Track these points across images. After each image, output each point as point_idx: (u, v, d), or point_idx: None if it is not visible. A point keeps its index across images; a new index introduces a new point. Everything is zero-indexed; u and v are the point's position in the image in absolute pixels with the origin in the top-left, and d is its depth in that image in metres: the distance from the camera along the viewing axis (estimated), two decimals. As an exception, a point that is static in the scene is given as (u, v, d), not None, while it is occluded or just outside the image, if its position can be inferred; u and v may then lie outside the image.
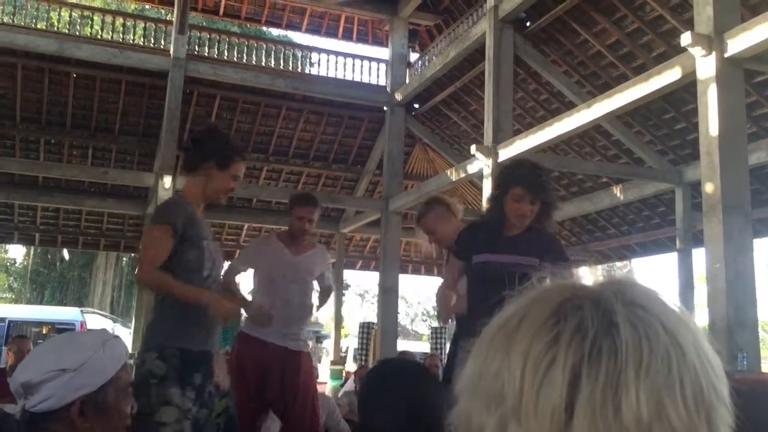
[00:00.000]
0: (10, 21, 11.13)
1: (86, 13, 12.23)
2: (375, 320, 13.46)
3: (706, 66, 5.56)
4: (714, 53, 5.48)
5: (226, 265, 3.81)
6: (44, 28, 11.43)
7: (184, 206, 2.84)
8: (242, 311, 3.71)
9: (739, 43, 5.37)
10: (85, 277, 27.41)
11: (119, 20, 12.04)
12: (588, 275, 0.57)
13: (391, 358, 2.50)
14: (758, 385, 4.29)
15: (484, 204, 3.74)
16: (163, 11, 14.96)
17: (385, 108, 12.69)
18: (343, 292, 18.87)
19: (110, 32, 11.87)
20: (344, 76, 12.80)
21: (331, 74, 12.81)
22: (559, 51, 10.42)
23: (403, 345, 15.96)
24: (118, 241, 15.72)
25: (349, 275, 26.34)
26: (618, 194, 11.31)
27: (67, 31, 11.42)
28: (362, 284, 35.96)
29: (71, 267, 27.61)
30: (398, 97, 12.34)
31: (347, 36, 14.07)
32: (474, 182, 12.33)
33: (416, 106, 13.07)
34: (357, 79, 12.85)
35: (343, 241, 15.50)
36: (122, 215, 14.73)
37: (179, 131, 11.31)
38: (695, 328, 0.53)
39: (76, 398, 1.39)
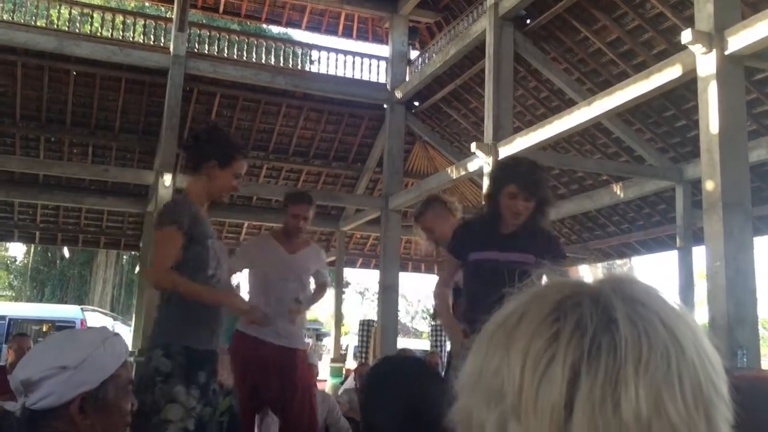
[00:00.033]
0: (10, 18, 11.12)
1: (86, 10, 12.22)
2: (375, 318, 13.47)
3: (706, 63, 5.56)
4: (714, 50, 5.48)
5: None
6: (44, 25, 11.42)
7: (188, 205, 2.86)
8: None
9: (739, 40, 5.36)
10: (85, 275, 27.43)
11: (119, 18, 12.03)
12: (588, 273, 0.57)
13: (394, 355, 2.50)
14: (758, 382, 4.29)
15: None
16: (162, 8, 14.93)
17: (385, 106, 12.68)
18: (344, 290, 18.86)
19: (110, 30, 11.86)
20: (344, 73, 12.79)
21: (331, 72, 12.81)
22: (559, 48, 10.41)
23: (403, 342, 15.98)
24: (118, 239, 15.72)
25: (349, 273, 26.36)
26: (618, 192, 11.30)
27: (66, 29, 11.41)
28: (362, 282, 35.99)
29: (71, 265, 27.63)
30: (398, 94, 12.33)
31: (347, 33, 14.06)
32: (474, 180, 12.34)
33: (416, 103, 13.07)
34: (357, 76, 12.84)
35: (343, 239, 15.51)
36: (122, 213, 14.73)
37: (179, 129, 11.31)
38: (694, 325, 0.53)
39: (76, 395, 1.40)
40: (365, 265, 17.78)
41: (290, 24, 14.07)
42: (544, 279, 0.58)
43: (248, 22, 14.75)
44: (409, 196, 11.44)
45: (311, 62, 13.52)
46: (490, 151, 8.58)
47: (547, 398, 0.49)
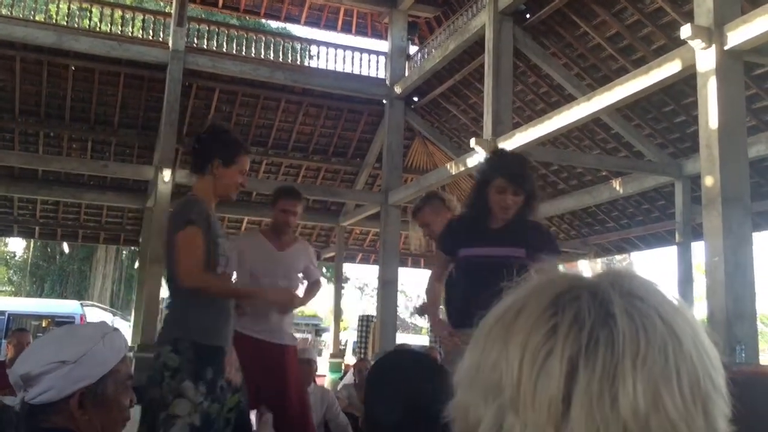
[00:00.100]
0: (9, 13, 11.09)
1: (85, 5, 12.20)
2: (374, 313, 13.48)
3: (705, 58, 5.55)
4: (714, 46, 5.47)
5: None
6: (42, 20, 11.39)
7: (199, 204, 2.90)
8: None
9: (739, 35, 5.36)
10: (84, 270, 27.45)
11: (118, 12, 12.01)
12: (587, 268, 0.57)
13: (398, 349, 2.50)
14: (756, 377, 4.30)
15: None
16: (161, 3, 14.92)
17: (384, 101, 12.67)
18: (343, 285, 18.87)
19: (109, 24, 11.84)
20: (343, 68, 12.78)
21: (331, 67, 12.79)
22: (558, 43, 10.40)
23: (402, 338, 15.99)
24: (117, 235, 15.71)
25: (348, 268, 26.38)
26: (617, 187, 11.31)
27: (65, 24, 11.40)
28: (361, 277, 36.03)
29: (71, 260, 27.65)
30: (397, 90, 12.32)
31: (346, 28, 14.03)
32: (473, 176, 12.31)
33: (416, 99, 13.05)
34: (356, 71, 12.82)
35: (342, 234, 15.51)
36: (122, 208, 14.73)
37: (178, 124, 11.31)
38: (692, 320, 0.53)
39: (75, 390, 1.40)
40: (365, 261, 17.79)
41: (289, 19, 14.04)
42: (536, 272, 0.58)
43: (247, 17, 14.73)
44: (409, 191, 11.44)
45: (310, 57, 13.51)
46: (490, 146, 8.57)
47: (545, 392, 0.49)
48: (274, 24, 18.48)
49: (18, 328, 9.32)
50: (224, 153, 2.96)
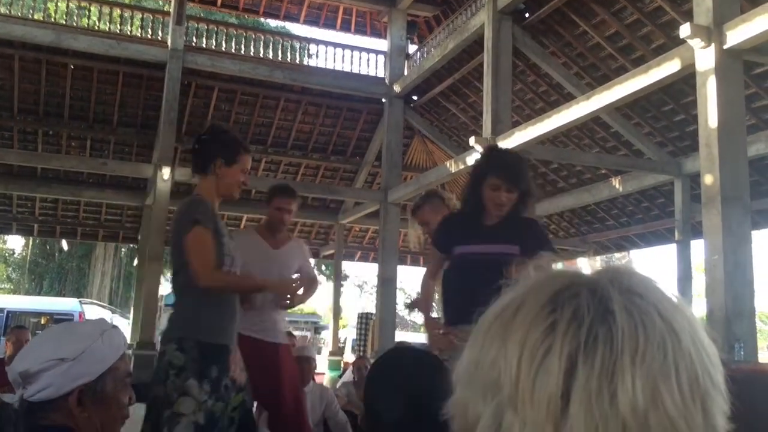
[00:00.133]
0: (7, 12, 11.09)
1: (83, 3, 12.18)
2: (373, 311, 13.48)
3: (705, 58, 5.55)
4: (713, 45, 5.47)
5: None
6: (41, 19, 11.38)
7: (205, 204, 2.94)
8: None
9: (738, 34, 5.36)
10: (83, 268, 27.44)
11: (116, 11, 11.99)
12: (586, 266, 0.57)
13: (400, 346, 2.49)
14: (755, 375, 4.31)
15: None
16: (160, 2, 14.92)
17: (383, 100, 12.67)
18: (342, 283, 18.87)
19: (107, 23, 11.83)
20: (342, 67, 12.77)
21: (330, 66, 12.78)
22: (558, 42, 10.39)
23: (401, 336, 15.99)
24: (116, 232, 15.71)
25: (347, 266, 26.38)
26: (617, 186, 11.31)
27: (64, 22, 11.37)
28: (361, 275, 36.05)
29: (70, 257, 27.63)
30: (397, 88, 12.32)
31: (345, 27, 14.02)
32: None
33: (415, 97, 13.05)
34: (355, 70, 12.82)
35: (342, 232, 15.51)
36: (121, 206, 14.73)
37: (177, 122, 11.30)
38: (691, 316, 0.53)
39: (74, 387, 1.40)
40: (364, 258, 17.79)
41: (288, 18, 14.03)
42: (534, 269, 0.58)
43: (246, 16, 14.71)
44: (408, 189, 11.44)
45: (309, 56, 13.50)
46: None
47: (543, 389, 0.49)
48: (273, 23, 18.50)
49: (17, 325, 9.32)
50: (226, 153, 2.99)
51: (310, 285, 4.18)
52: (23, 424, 1.41)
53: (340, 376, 10.23)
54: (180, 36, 11.32)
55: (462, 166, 9.77)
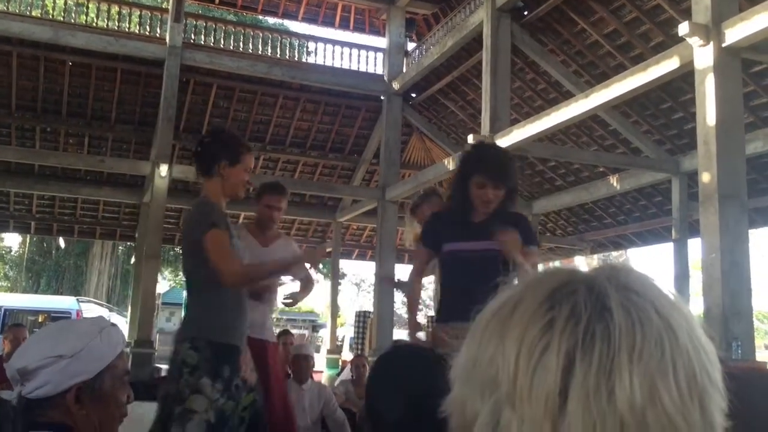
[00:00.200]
0: (5, 8, 11.07)
1: (81, 0, 12.17)
2: (371, 309, 13.48)
3: (703, 56, 5.56)
4: (712, 43, 5.48)
5: None
6: (39, 15, 11.36)
7: (214, 206, 3.00)
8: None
9: (736, 32, 5.36)
10: (81, 266, 27.42)
11: (115, 8, 11.98)
12: (584, 263, 0.58)
13: (401, 346, 2.49)
14: (752, 373, 4.32)
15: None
16: (159, -1, 14.89)
17: (382, 97, 12.67)
18: (339, 281, 18.87)
19: (106, 20, 11.81)
20: (341, 65, 12.77)
21: (328, 63, 12.78)
22: (556, 40, 10.39)
23: (398, 334, 15.99)
24: (114, 230, 15.70)
25: (345, 264, 26.36)
26: (615, 184, 11.32)
27: (62, 19, 11.35)
28: (358, 273, 36.06)
29: (67, 255, 27.59)
30: (395, 86, 12.32)
31: (344, 25, 14.01)
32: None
33: (413, 95, 13.05)
34: (354, 68, 12.81)
35: (339, 230, 15.50)
36: (118, 204, 14.71)
37: (175, 120, 11.30)
38: (688, 314, 0.53)
39: (72, 385, 1.39)
40: (361, 257, 17.78)
41: (287, 15, 14.01)
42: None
43: (244, 13, 14.68)
44: (406, 187, 11.44)
45: (308, 53, 13.51)
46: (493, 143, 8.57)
47: (541, 386, 0.49)
48: (271, 20, 18.49)
49: (14, 323, 9.32)
50: (228, 154, 3.03)
51: (308, 283, 4.18)
52: (21, 421, 1.41)
53: (338, 375, 10.24)
54: (178, 33, 11.31)
55: (460, 164, 9.77)
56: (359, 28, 14.14)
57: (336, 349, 15.16)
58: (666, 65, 6.22)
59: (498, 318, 0.54)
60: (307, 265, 3.95)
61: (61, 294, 24.16)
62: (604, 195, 12.13)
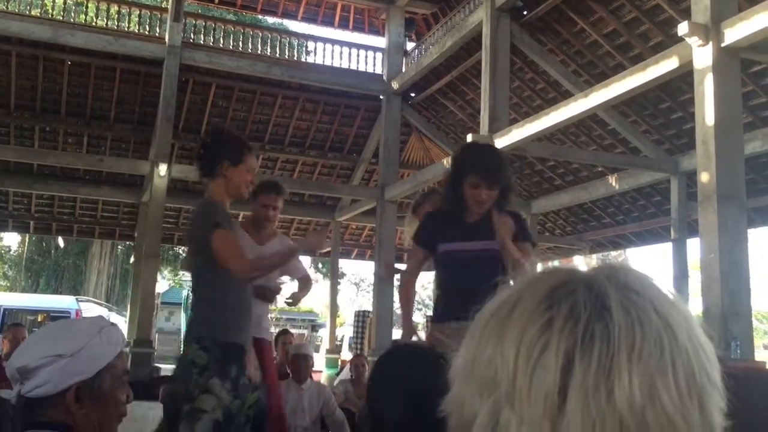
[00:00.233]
0: (4, 8, 11.05)
1: (81, -1, 12.17)
2: (370, 309, 13.48)
3: (702, 56, 5.56)
4: (711, 43, 5.48)
5: None
6: (38, 15, 11.35)
7: (217, 206, 3.01)
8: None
9: (736, 32, 5.37)
10: (80, 265, 27.39)
11: (114, 7, 11.97)
12: (582, 263, 0.58)
13: (402, 345, 2.49)
14: (750, 373, 4.32)
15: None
16: (158, -2, 14.88)
17: (381, 97, 12.67)
18: (339, 280, 18.86)
19: (105, 19, 11.80)
20: (340, 64, 12.76)
21: (328, 63, 12.77)
22: (555, 40, 10.39)
23: (398, 333, 15.99)
24: (113, 229, 15.69)
25: (344, 264, 26.35)
26: (613, 183, 11.32)
27: (61, 18, 11.34)
28: (357, 273, 36.05)
29: (66, 255, 27.57)
30: (395, 85, 12.31)
31: (343, 24, 14.00)
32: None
33: (413, 95, 13.04)
34: (353, 67, 12.80)
35: (338, 229, 15.50)
36: (117, 203, 14.70)
37: (175, 119, 11.29)
38: (687, 313, 0.53)
39: (71, 384, 1.40)
40: (360, 256, 17.78)
41: (286, 14, 14.00)
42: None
43: (244, 13, 14.67)
44: (405, 186, 11.44)
45: (307, 53, 13.50)
46: (487, 142, 8.57)
47: (540, 385, 0.49)
48: (270, 20, 18.47)
49: (13, 323, 9.31)
50: (230, 154, 3.05)
51: (306, 282, 4.18)
52: (21, 420, 1.41)
53: (338, 374, 10.24)
54: (177, 32, 11.30)
55: (459, 164, 9.76)
56: (358, 27, 14.13)
57: (335, 348, 15.15)
58: (665, 65, 6.22)
59: (497, 317, 0.54)
60: (309, 266, 3.95)
61: (61, 293, 24.14)
62: (603, 195, 12.13)
